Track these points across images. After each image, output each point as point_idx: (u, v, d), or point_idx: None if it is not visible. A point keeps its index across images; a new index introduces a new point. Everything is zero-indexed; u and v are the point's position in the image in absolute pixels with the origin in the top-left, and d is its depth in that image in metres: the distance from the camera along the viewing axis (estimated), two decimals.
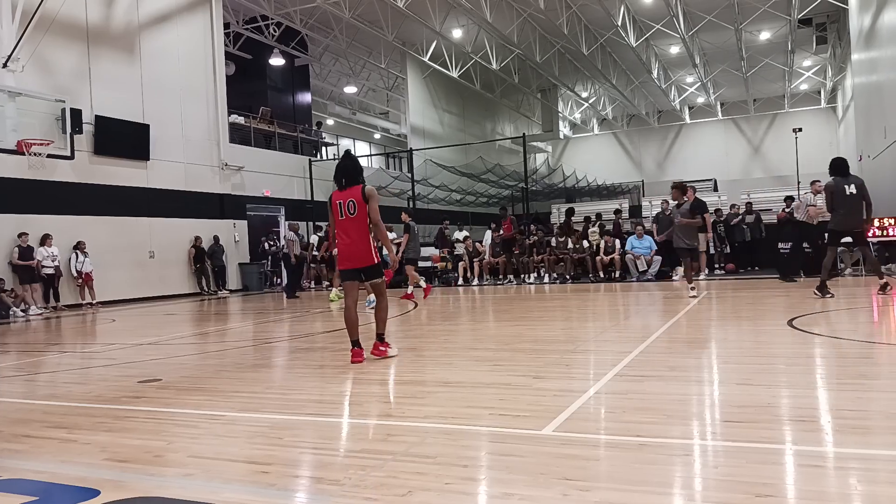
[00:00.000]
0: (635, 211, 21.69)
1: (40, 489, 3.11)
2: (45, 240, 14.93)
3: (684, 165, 38.89)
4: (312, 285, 19.26)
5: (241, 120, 22.67)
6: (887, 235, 13.92)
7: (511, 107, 37.23)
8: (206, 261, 19.11)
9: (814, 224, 13.23)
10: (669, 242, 15.39)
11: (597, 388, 4.58)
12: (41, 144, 13.04)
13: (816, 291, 9.78)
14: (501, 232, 17.85)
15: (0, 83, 12.55)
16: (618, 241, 16.10)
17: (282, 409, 4.54)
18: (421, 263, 18.59)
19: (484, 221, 26.73)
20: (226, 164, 20.19)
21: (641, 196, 28.49)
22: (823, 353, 5.90)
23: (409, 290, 13.90)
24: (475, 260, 17.60)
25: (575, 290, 13.95)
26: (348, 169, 6.11)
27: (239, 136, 21.95)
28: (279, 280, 21.60)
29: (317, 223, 19.42)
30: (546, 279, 16.66)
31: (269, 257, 21.49)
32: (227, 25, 22.76)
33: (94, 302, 15.84)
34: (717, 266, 16.30)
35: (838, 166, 9.95)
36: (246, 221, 21.10)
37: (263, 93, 25.57)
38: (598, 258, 16.07)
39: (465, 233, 19.58)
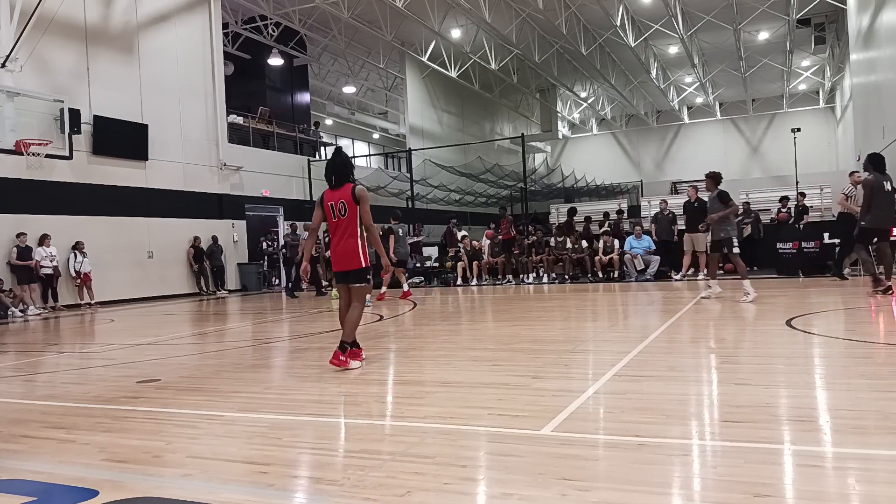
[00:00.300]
0: (634, 211, 21.72)
1: (39, 489, 3.11)
2: (43, 240, 14.91)
3: (683, 165, 38.92)
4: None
5: (239, 120, 22.66)
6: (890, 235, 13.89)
7: (510, 107, 37.24)
8: (204, 261, 19.10)
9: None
10: (667, 242, 15.47)
11: (595, 388, 4.59)
12: (39, 144, 13.03)
13: (876, 291, 9.53)
14: (500, 233, 17.84)
15: None
16: (616, 241, 16.10)
17: (280, 409, 4.54)
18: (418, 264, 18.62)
19: (483, 221, 26.77)
20: (224, 164, 20.18)
21: (640, 196, 28.51)
22: (822, 352, 5.90)
23: (406, 287, 13.96)
24: (474, 262, 17.58)
25: (574, 290, 13.96)
26: (339, 166, 5.91)
27: (238, 136, 21.93)
28: (277, 280, 21.62)
29: None
30: (545, 279, 16.66)
31: (267, 257, 21.50)
32: (225, 25, 22.76)
33: (92, 302, 15.82)
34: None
35: (878, 162, 9.55)
36: (245, 221, 21.09)
37: (262, 93, 25.55)
38: (596, 258, 16.07)
39: (463, 232, 19.54)
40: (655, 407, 4.02)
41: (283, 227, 22.21)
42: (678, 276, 14.97)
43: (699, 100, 39.07)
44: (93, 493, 2.96)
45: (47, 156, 13.35)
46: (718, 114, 40.16)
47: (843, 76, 30.77)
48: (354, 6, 22.14)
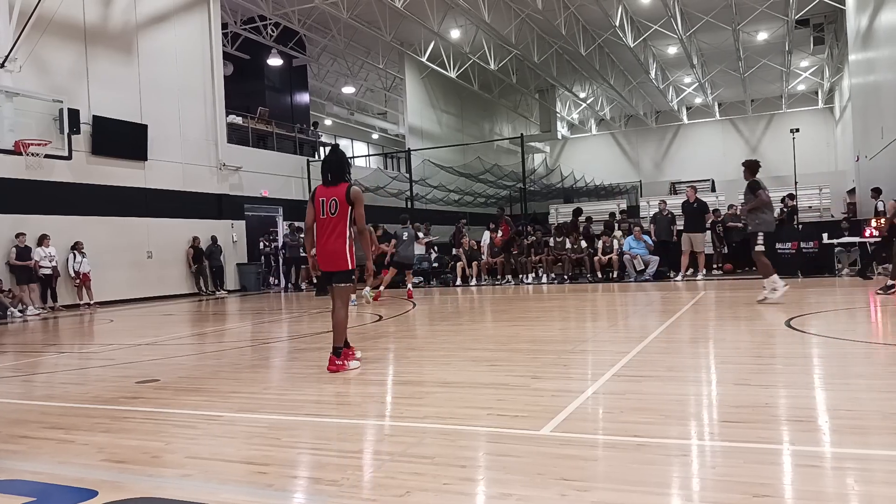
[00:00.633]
0: (633, 211, 21.71)
1: (38, 490, 3.11)
2: (42, 240, 14.90)
3: (682, 166, 38.95)
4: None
5: (238, 120, 22.65)
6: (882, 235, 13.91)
7: (509, 107, 37.25)
8: (203, 261, 19.09)
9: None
10: (666, 243, 15.48)
11: (594, 388, 4.59)
12: (39, 145, 13.02)
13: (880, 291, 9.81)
14: (500, 233, 17.85)
15: None
16: (615, 242, 16.11)
17: (280, 409, 4.54)
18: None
19: (482, 222, 26.74)
20: (224, 165, 20.17)
21: (639, 196, 28.51)
22: (821, 353, 5.91)
23: (408, 286, 13.97)
24: (473, 262, 17.58)
25: (573, 291, 13.96)
26: (334, 164, 5.82)
27: (237, 136, 21.93)
28: (276, 281, 21.61)
29: None
30: (544, 279, 16.66)
31: (264, 257, 21.48)
32: (224, 25, 22.75)
33: (91, 302, 15.81)
34: (714, 266, 16.32)
35: None
36: (244, 222, 21.08)
37: (261, 93, 25.54)
38: (595, 258, 16.08)
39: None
40: (654, 407, 4.02)
41: (282, 228, 22.21)
42: (678, 277, 14.98)
43: (698, 100, 39.08)
44: (92, 494, 2.96)
45: (46, 156, 13.34)
46: (717, 114, 40.18)
47: (842, 77, 30.80)
48: (354, 6, 22.14)
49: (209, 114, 19.90)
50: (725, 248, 16.51)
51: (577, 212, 19.08)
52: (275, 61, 25.69)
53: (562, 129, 41.93)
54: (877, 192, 16.59)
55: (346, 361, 5.76)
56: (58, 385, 6.03)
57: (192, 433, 4.01)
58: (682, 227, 15.42)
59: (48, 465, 3.46)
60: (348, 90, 34.16)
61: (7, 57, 12.99)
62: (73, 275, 15.67)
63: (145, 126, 17.57)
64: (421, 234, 17.34)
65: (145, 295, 17.40)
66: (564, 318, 9.65)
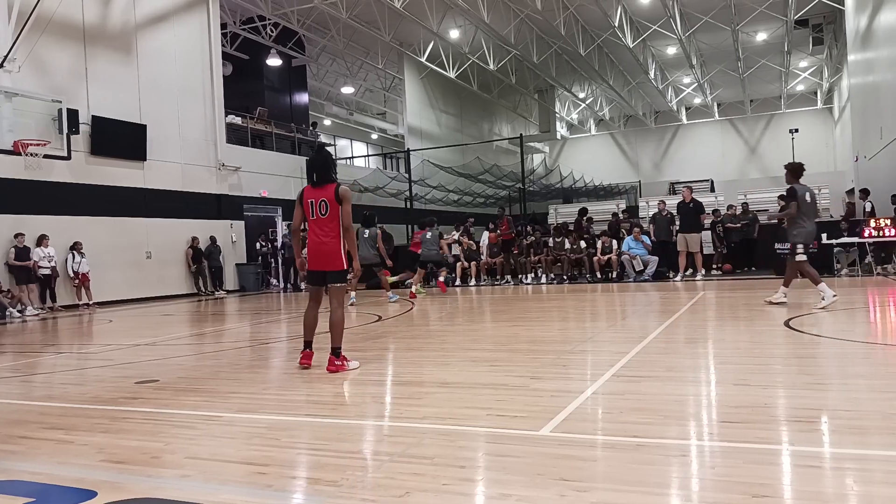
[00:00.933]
0: (632, 211, 21.70)
1: (37, 490, 3.11)
2: (41, 240, 14.90)
3: (681, 166, 38.99)
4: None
5: (238, 120, 22.66)
6: (883, 236, 13.95)
7: (508, 107, 37.27)
8: (202, 261, 19.09)
9: None
10: (665, 243, 15.47)
11: (594, 388, 4.59)
12: (38, 145, 13.03)
13: None
14: (499, 232, 17.85)
15: None
16: (615, 242, 16.11)
17: (279, 409, 4.54)
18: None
19: (482, 222, 26.73)
20: (223, 165, 20.17)
21: (638, 196, 28.52)
22: (820, 353, 5.92)
23: (413, 288, 14.07)
24: (472, 262, 17.57)
25: (572, 291, 13.96)
26: (320, 164, 5.82)
27: (236, 136, 21.93)
28: (275, 281, 21.60)
29: None
30: (543, 280, 16.67)
31: (262, 258, 21.47)
32: (224, 26, 22.76)
33: (90, 302, 15.81)
34: (714, 266, 16.33)
35: None
36: (243, 222, 21.08)
37: (260, 93, 25.55)
38: (595, 258, 16.08)
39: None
40: (654, 407, 4.02)
41: (281, 228, 22.21)
42: (677, 278, 14.99)
43: (697, 100, 39.12)
44: (91, 494, 2.96)
45: (45, 156, 13.35)
46: (717, 114, 40.21)
47: (841, 77, 30.83)
48: (353, 7, 22.15)
49: (208, 114, 19.90)
50: (725, 248, 16.51)
51: (583, 211, 18.98)
52: (274, 61, 25.70)
53: (561, 130, 41.96)
54: (865, 193, 16.76)
55: (344, 362, 5.76)
56: (57, 385, 6.02)
57: (191, 433, 4.01)
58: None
59: (47, 466, 3.46)
60: (347, 90, 34.17)
61: (6, 57, 12.99)
62: (72, 275, 15.67)
63: (144, 126, 17.57)
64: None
65: (144, 295, 17.41)
66: (564, 318, 9.65)
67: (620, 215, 18.56)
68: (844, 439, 3.36)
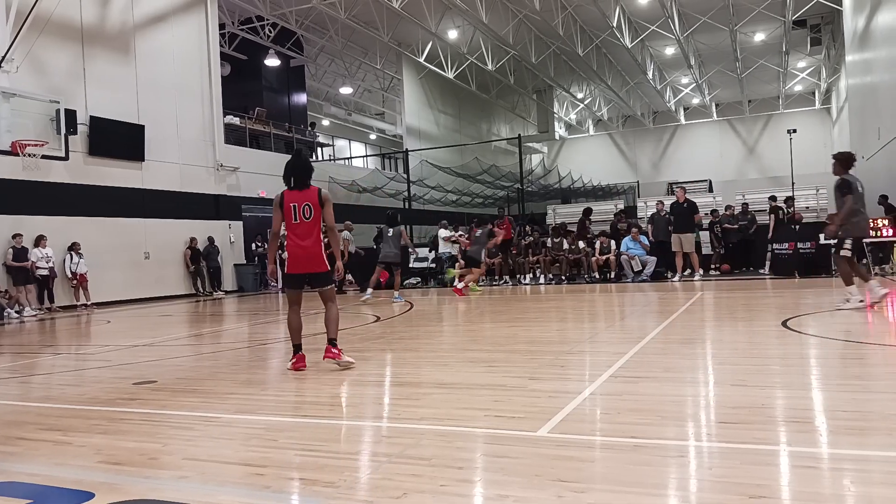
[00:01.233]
0: (630, 212, 21.71)
1: (35, 492, 3.10)
2: (39, 241, 14.88)
3: (679, 166, 39.04)
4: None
5: (236, 121, 22.64)
6: (881, 236, 13.99)
7: (507, 108, 37.29)
8: (201, 262, 19.08)
9: None
10: (664, 243, 15.47)
11: (592, 389, 4.59)
12: (35, 145, 13.02)
13: None
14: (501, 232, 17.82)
15: None
16: (613, 242, 16.11)
17: (277, 410, 4.55)
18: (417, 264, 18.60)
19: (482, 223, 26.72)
20: (221, 165, 20.16)
21: (637, 197, 28.56)
22: (817, 353, 5.92)
23: (459, 284, 14.20)
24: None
25: (570, 291, 13.97)
26: (300, 168, 5.85)
27: (234, 136, 21.93)
28: (274, 282, 21.52)
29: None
30: (542, 280, 16.67)
31: (258, 258, 21.44)
32: (222, 26, 22.75)
33: (88, 303, 15.80)
34: (712, 266, 16.34)
35: None
36: (241, 222, 21.07)
37: (259, 93, 25.55)
38: (593, 259, 16.09)
39: (459, 232, 19.30)
40: (651, 408, 4.03)
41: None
42: (675, 278, 14.99)
43: (695, 101, 39.16)
44: (89, 496, 2.96)
45: (43, 157, 13.36)
46: (715, 115, 40.24)
47: (839, 77, 30.88)
48: (351, 7, 22.16)
49: (206, 114, 19.90)
50: (722, 248, 16.53)
51: (588, 211, 18.82)
52: (272, 62, 25.70)
53: (559, 130, 42.00)
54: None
55: (341, 352, 5.81)
56: (55, 386, 6.02)
57: (189, 434, 4.01)
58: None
59: (45, 467, 3.46)
60: (346, 90, 34.17)
61: (4, 57, 12.99)
62: (69, 276, 15.66)
63: (142, 126, 17.56)
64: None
65: (142, 296, 17.40)
66: (562, 318, 9.65)
67: (611, 216, 18.57)
68: (842, 440, 3.36)
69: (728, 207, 17.44)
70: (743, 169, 38.68)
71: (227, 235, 20.33)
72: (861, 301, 8.29)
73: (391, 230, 13.28)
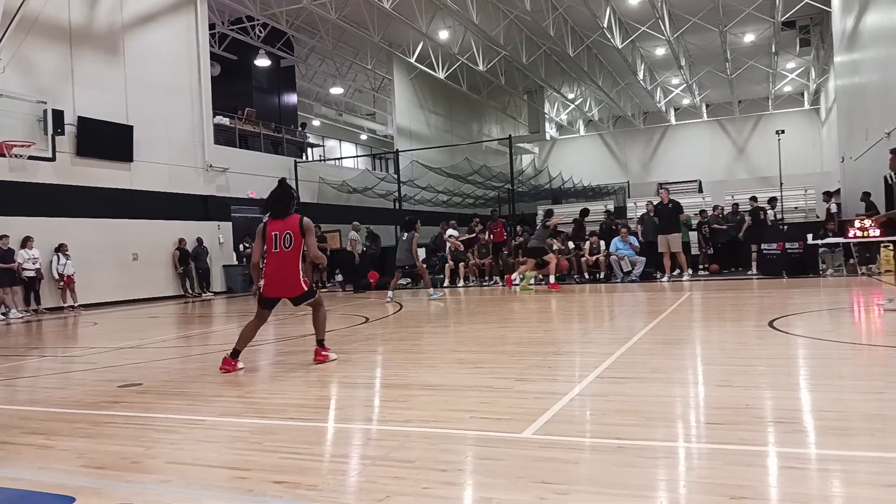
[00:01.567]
0: (620, 212, 21.77)
1: (16, 497, 3.08)
2: (26, 242, 14.77)
3: (669, 167, 39.16)
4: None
5: (225, 121, 22.56)
6: (867, 236, 14.04)
7: (497, 108, 37.31)
8: (189, 263, 18.99)
9: None
10: (653, 243, 15.52)
11: (578, 390, 4.59)
12: (23, 146, 12.96)
13: None
14: (492, 236, 17.84)
15: None
16: (602, 242, 16.14)
17: (263, 413, 4.52)
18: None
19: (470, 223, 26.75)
20: (210, 166, 20.08)
21: (627, 197, 28.63)
22: (804, 354, 5.94)
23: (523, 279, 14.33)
24: (460, 263, 17.55)
25: (560, 291, 13.97)
26: (282, 197, 6.02)
27: (224, 137, 21.84)
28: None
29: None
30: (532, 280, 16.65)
31: (245, 259, 21.33)
32: (212, 26, 22.66)
33: (75, 305, 15.69)
34: (701, 267, 16.40)
35: None
36: (231, 223, 20.99)
37: (249, 94, 25.47)
38: (583, 259, 16.11)
39: (450, 231, 19.24)
40: (637, 409, 4.03)
41: None
42: (664, 278, 15.04)
43: (686, 101, 39.31)
44: (70, 500, 2.94)
45: (30, 157, 13.27)
46: (705, 115, 40.41)
47: (828, 78, 31.05)
48: (342, 7, 22.11)
49: (196, 114, 19.81)
50: (710, 248, 16.60)
51: (584, 212, 18.76)
52: (262, 62, 25.62)
53: (550, 130, 42.06)
54: (828, 196, 17.08)
55: (328, 352, 6.16)
56: (40, 389, 5.98)
57: (173, 438, 3.98)
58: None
59: (27, 471, 3.43)
60: (336, 91, 34.11)
61: None
62: (56, 277, 15.55)
63: (131, 127, 17.47)
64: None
65: (130, 297, 17.31)
66: (550, 319, 9.66)
67: (601, 216, 18.62)
68: (828, 440, 3.37)
69: (716, 207, 17.51)
70: (733, 169, 38.84)
71: (216, 236, 20.25)
72: None
73: (405, 234, 13.46)
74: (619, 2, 24.05)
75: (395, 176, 22.75)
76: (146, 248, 18.00)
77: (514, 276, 14.25)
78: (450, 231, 17.48)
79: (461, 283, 17.19)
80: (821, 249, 14.51)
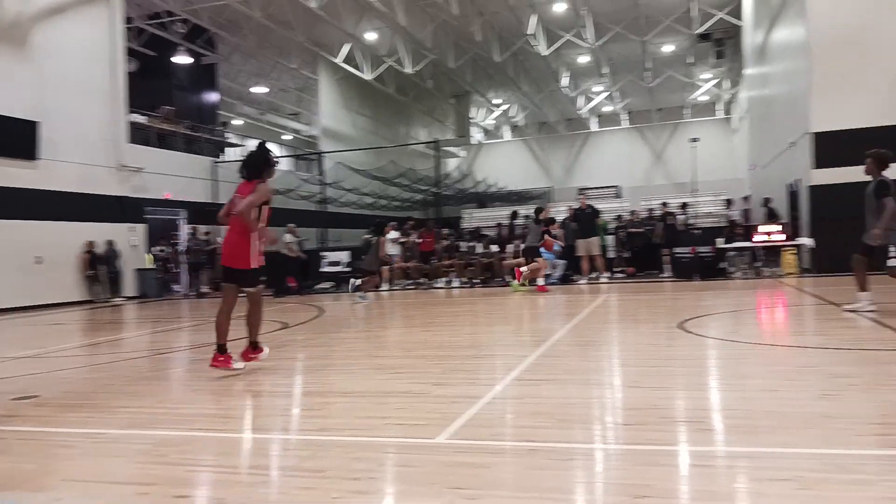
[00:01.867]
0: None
1: None
2: None
3: (591, 172, 40.11)
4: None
5: (142, 119, 21.70)
6: (769, 241, 14.82)
7: (424, 111, 37.35)
8: (97, 266, 18.10)
9: None
10: (573, 247, 15.85)
11: (494, 393, 4.61)
12: None
13: None
14: (421, 241, 17.81)
15: None
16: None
17: (171, 424, 4.33)
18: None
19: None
20: (124, 166, 19.26)
21: (550, 201, 29.18)
22: (711, 354, 6.17)
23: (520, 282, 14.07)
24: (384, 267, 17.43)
25: (482, 295, 14.09)
26: (249, 160, 5.82)
27: (140, 136, 20.99)
28: (178, 287, 20.69)
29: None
30: (455, 284, 16.75)
31: (162, 262, 20.59)
32: (129, 20, 21.77)
33: None
34: (617, 270, 16.82)
35: None
36: (145, 225, 20.17)
37: (168, 91, 24.60)
38: (504, 263, 16.31)
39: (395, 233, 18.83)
40: (550, 411, 4.07)
41: (184, 231, 21.32)
42: (582, 281, 15.38)
43: (608, 108, 40.39)
44: None
45: None
46: (627, 122, 41.62)
47: (740, 89, 32.54)
48: (266, 6, 21.66)
49: (110, 112, 18.96)
50: (628, 251, 17.09)
51: (514, 215, 18.92)
52: (183, 59, 24.80)
53: (476, 135, 42.42)
54: (729, 203, 18.13)
55: (231, 361, 5.74)
56: None
57: (71, 453, 3.77)
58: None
59: None
60: (260, 90, 33.37)
61: None
62: None
63: (34, 123, 16.50)
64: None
65: (33, 303, 16.31)
66: (472, 322, 9.71)
67: (521, 219, 18.90)
68: (734, 438, 3.49)
69: (633, 213, 18.04)
70: (651, 175, 40.12)
71: (129, 238, 19.40)
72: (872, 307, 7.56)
73: (374, 238, 13.53)
74: (543, 9, 24.48)
75: (320, 177, 22.42)
76: (52, 251, 17.04)
77: (523, 268, 14.18)
78: (391, 234, 17.23)
79: (384, 286, 17.05)
80: (730, 253, 15.17)
